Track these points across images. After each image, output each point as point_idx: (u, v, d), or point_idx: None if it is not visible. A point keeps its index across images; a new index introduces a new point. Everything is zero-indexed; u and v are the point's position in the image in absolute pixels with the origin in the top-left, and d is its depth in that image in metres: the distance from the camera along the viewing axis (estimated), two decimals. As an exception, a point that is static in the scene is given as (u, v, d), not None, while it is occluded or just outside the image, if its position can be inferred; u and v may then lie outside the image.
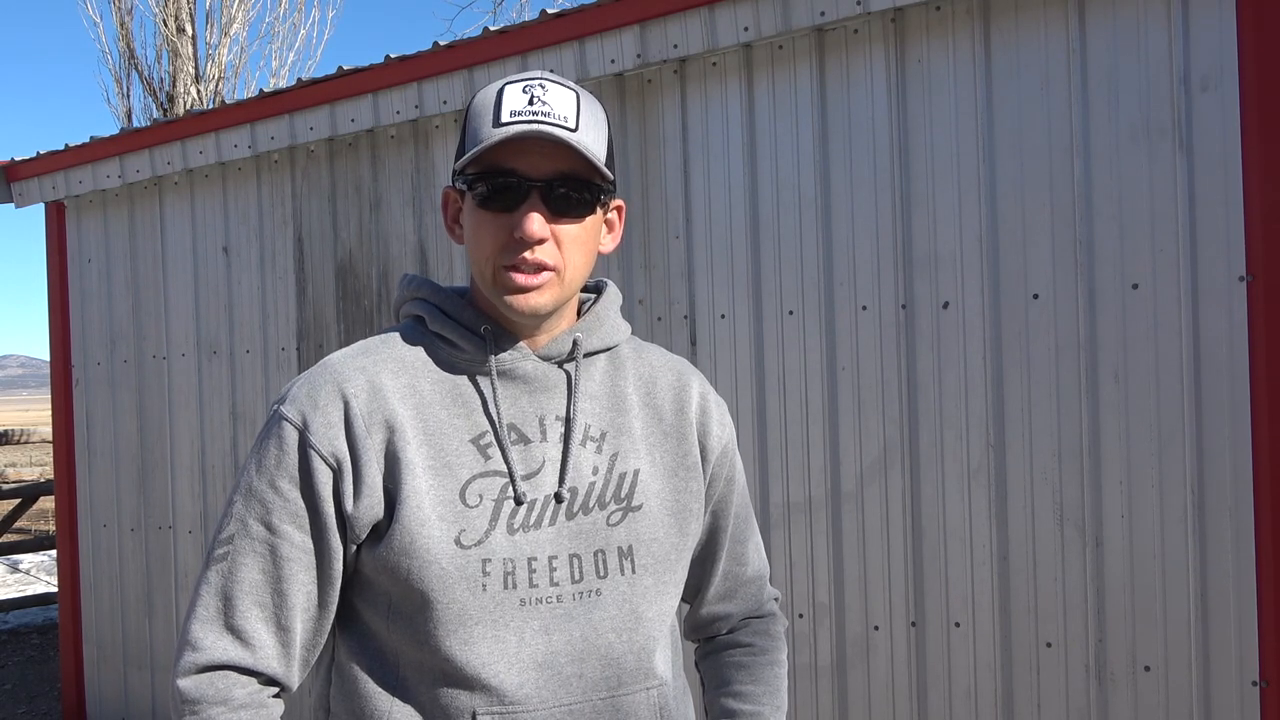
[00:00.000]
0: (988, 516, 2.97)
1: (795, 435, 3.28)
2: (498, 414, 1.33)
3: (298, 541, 1.28)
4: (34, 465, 15.64)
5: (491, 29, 3.78)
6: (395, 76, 4.05)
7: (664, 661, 1.40)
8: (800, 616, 3.28)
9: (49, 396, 5.53)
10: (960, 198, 3.00)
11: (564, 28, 3.60)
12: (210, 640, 1.27)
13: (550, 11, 3.64)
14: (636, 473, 1.38)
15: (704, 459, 1.46)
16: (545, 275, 1.30)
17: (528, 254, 1.28)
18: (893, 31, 3.11)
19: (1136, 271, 2.76)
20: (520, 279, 1.29)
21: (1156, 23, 2.74)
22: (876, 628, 3.15)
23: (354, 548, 1.31)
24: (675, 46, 3.40)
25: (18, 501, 8.46)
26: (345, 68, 4.17)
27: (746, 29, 3.25)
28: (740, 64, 3.38)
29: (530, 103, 1.27)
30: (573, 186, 1.29)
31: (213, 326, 4.80)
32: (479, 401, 1.34)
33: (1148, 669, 2.75)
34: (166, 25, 12.78)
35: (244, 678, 1.28)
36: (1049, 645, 2.88)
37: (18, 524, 9.11)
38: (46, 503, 9.74)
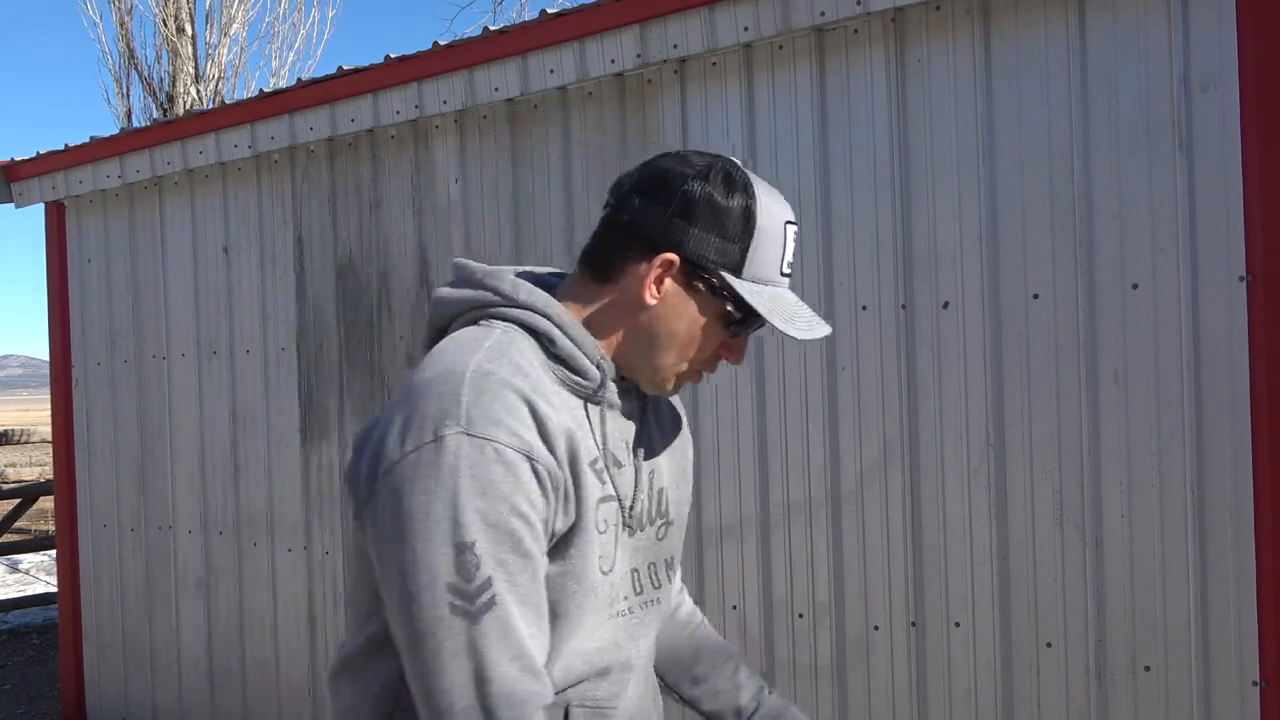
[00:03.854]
0: (988, 516, 2.97)
1: (795, 435, 3.28)
2: (603, 440, 1.38)
3: (541, 563, 1.28)
4: (34, 465, 15.62)
5: (491, 29, 3.78)
6: (395, 76, 4.05)
7: None
8: (800, 616, 3.28)
9: (49, 396, 5.52)
10: (960, 197, 3.00)
11: (564, 28, 3.60)
12: (525, 688, 1.23)
13: (550, 11, 3.63)
14: (664, 489, 1.48)
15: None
16: None
17: (710, 372, 1.42)
18: (893, 31, 3.11)
19: (1136, 271, 2.76)
20: (690, 383, 1.43)
21: (1156, 23, 2.74)
22: (876, 628, 3.15)
23: None
24: (675, 46, 3.40)
25: (18, 501, 8.45)
26: (345, 68, 4.17)
27: (746, 29, 3.25)
28: (740, 64, 3.38)
29: (792, 254, 1.37)
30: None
31: (213, 326, 4.80)
32: (588, 426, 1.36)
33: (1148, 669, 2.75)
34: (166, 25, 12.80)
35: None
36: (1049, 645, 2.88)
37: (18, 524, 9.11)
38: (46, 503, 9.73)
